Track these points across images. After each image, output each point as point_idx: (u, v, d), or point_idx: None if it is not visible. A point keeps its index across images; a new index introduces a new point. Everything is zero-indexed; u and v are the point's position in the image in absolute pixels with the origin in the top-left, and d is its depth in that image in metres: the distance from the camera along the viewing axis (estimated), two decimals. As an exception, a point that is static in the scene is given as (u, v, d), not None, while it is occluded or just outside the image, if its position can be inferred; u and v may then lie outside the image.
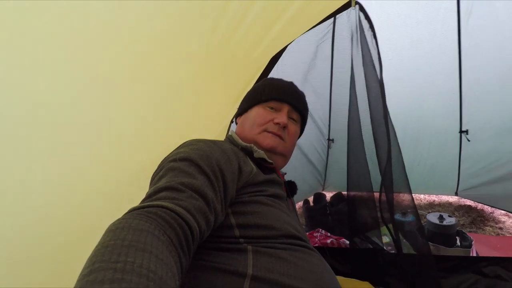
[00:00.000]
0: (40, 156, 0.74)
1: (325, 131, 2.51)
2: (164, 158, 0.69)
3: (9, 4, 0.58)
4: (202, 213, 0.52)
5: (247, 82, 1.29)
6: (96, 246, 0.39)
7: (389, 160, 1.17)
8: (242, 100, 0.98)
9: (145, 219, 0.43)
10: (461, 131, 2.20)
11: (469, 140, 2.16)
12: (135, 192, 0.73)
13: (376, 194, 1.37)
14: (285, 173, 0.97)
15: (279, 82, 0.93)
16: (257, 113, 0.88)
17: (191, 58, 0.96)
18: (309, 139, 2.42)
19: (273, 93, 0.88)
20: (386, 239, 1.60)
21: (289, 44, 1.30)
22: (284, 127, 0.86)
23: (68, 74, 0.72)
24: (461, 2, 1.77)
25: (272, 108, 0.88)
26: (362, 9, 1.22)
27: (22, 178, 0.73)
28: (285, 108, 0.89)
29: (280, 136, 0.85)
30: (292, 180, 0.99)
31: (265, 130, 0.85)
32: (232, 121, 0.94)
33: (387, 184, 1.21)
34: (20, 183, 0.73)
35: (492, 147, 2.08)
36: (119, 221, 0.43)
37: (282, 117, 0.85)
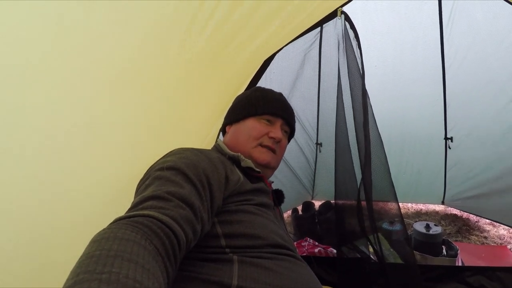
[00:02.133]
0: (28, 159, 0.73)
1: (313, 135, 2.53)
2: (151, 167, 0.68)
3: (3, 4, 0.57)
4: (188, 223, 0.52)
5: (235, 90, 1.29)
6: (81, 257, 0.38)
7: (367, 167, 1.18)
8: (233, 109, 0.96)
9: (131, 228, 0.43)
10: (446, 138, 2.24)
11: (450, 148, 2.21)
12: (120, 201, 0.72)
13: (364, 203, 1.37)
14: (272, 182, 0.96)
15: (272, 95, 0.94)
16: (252, 126, 0.87)
17: (179, 66, 0.95)
18: (298, 145, 2.43)
19: (269, 107, 0.89)
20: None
21: (277, 52, 1.31)
22: (278, 141, 0.87)
23: (57, 78, 0.71)
24: (443, 11, 1.82)
25: (266, 121, 0.89)
26: (347, 18, 1.24)
27: (11, 180, 0.71)
28: (279, 122, 0.90)
29: (273, 150, 0.87)
30: (280, 188, 0.98)
31: (260, 144, 0.86)
32: (221, 130, 0.93)
33: (367, 192, 1.21)
34: (9, 185, 0.71)
35: (476, 154, 2.12)
36: (104, 231, 0.42)
37: (277, 132, 0.87)
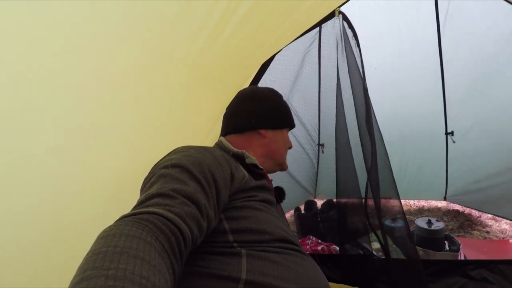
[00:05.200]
0: (31, 159, 0.74)
1: (315, 136, 2.54)
2: (155, 165, 0.68)
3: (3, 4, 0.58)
4: (194, 219, 0.52)
5: (236, 90, 1.30)
6: (87, 253, 0.38)
7: (374, 164, 1.19)
8: (271, 113, 0.92)
9: (136, 225, 0.43)
10: (446, 133, 2.25)
11: (454, 142, 2.22)
12: (126, 199, 0.73)
13: (368, 200, 1.39)
14: (272, 179, 0.98)
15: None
16: (287, 137, 0.97)
17: (179, 65, 0.97)
18: (300, 145, 2.45)
19: (293, 122, 0.99)
20: (376, 245, 1.61)
21: (277, 52, 1.33)
22: None
23: (61, 79, 0.71)
24: (439, 7, 1.83)
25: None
26: (345, 18, 1.25)
27: (14, 180, 0.72)
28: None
29: None
30: (281, 186, 1.00)
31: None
32: (255, 129, 0.90)
33: (374, 189, 1.22)
34: (12, 185, 0.72)
35: (476, 149, 2.13)
36: (110, 228, 0.43)
37: (291, 142, 0.99)
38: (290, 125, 0.98)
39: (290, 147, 0.99)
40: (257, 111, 0.91)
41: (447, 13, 1.83)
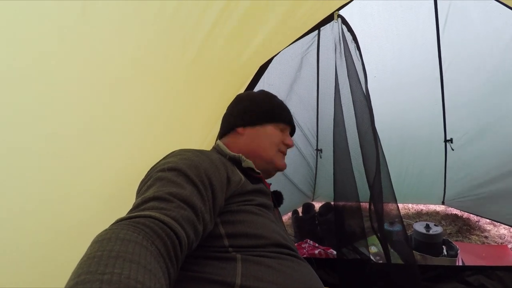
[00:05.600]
0: (31, 160, 0.73)
1: (314, 141, 2.54)
2: (152, 168, 0.69)
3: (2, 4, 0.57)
4: (190, 223, 0.52)
5: (234, 92, 1.30)
6: (82, 258, 0.38)
7: (378, 169, 1.18)
8: (248, 111, 0.92)
9: (132, 229, 0.43)
10: (445, 140, 2.25)
11: (453, 149, 2.21)
12: (125, 200, 0.72)
13: (364, 204, 1.38)
14: (270, 183, 0.97)
15: (283, 104, 0.99)
16: (273, 133, 0.92)
17: (178, 66, 0.97)
18: (299, 149, 2.44)
19: (285, 116, 0.95)
20: (373, 249, 1.60)
21: (275, 55, 1.32)
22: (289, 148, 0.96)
23: (59, 79, 0.71)
24: (439, 12, 1.83)
25: (280, 129, 0.94)
26: (344, 22, 1.25)
27: (13, 181, 0.72)
28: (288, 130, 0.97)
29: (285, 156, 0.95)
30: (279, 190, 0.99)
31: (279, 150, 0.92)
32: (233, 128, 0.90)
33: (377, 194, 1.22)
34: (12, 186, 0.72)
35: (475, 155, 2.13)
36: (105, 231, 0.43)
37: (290, 140, 0.96)
38: (277, 119, 0.93)
39: (288, 145, 0.94)
40: (235, 111, 0.94)
41: (447, 18, 1.83)
